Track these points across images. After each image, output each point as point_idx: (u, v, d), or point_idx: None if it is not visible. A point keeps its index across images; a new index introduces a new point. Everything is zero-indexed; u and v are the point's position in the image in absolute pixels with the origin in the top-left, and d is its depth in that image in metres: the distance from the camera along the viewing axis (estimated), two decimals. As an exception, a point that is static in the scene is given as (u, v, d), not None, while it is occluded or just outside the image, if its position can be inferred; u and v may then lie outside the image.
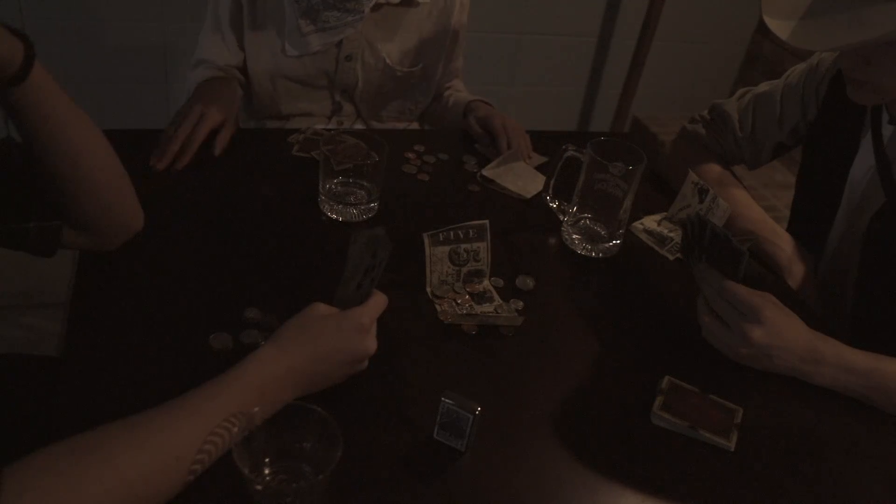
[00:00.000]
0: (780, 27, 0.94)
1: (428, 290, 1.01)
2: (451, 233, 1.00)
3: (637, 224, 1.23)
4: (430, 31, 1.46)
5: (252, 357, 0.76)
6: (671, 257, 1.18)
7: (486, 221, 1.02)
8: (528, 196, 1.26)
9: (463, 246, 1.01)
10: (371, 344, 0.82)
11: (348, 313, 0.80)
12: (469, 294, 1.02)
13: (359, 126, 1.53)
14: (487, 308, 1.00)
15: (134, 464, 0.64)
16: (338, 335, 0.79)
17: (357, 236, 0.82)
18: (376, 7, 1.37)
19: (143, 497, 0.65)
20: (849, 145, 1.16)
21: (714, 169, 1.30)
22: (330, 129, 1.13)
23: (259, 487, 0.68)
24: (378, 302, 0.83)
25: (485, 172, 1.28)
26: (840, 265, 1.18)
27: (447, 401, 0.77)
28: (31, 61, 0.77)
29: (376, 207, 1.14)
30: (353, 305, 0.82)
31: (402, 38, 1.44)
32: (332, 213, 1.12)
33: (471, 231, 1.01)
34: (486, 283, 1.04)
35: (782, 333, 0.92)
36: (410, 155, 1.32)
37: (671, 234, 1.22)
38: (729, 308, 0.93)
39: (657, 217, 1.26)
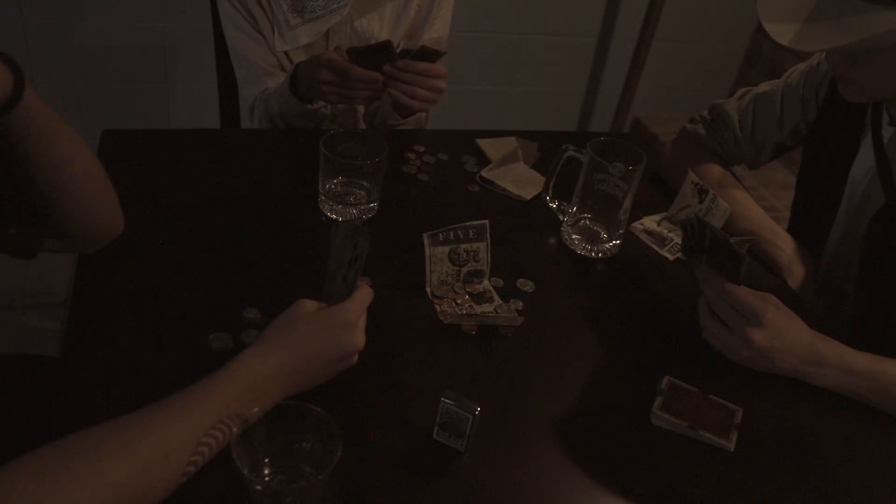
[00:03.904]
0: (774, 29, 0.95)
1: (428, 290, 1.01)
2: (451, 233, 1.00)
3: (637, 224, 1.23)
4: (411, 14, 1.47)
5: (240, 357, 0.75)
6: (671, 257, 1.18)
7: (486, 221, 1.02)
8: (528, 197, 1.26)
9: (463, 246, 1.01)
10: (359, 339, 0.81)
11: (334, 310, 0.80)
12: (469, 294, 1.02)
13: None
14: (487, 308, 1.00)
15: (122, 465, 0.64)
16: (325, 332, 0.79)
17: (337, 229, 0.82)
18: None
19: (132, 498, 0.65)
20: (849, 146, 1.16)
21: (714, 169, 1.30)
22: (331, 130, 1.13)
23: (258, 487, 0.68)
24: (363, 296, 0.83)
25: (484, 174, 1.28)
26: (840, 266, 1.18)
27: (447, 401, 0.77)
28: (21, 88, 0.75)
29: (376, 207, 1.14)
30: (341, 297, 0.82)
31: (385, 21, 1.45)
32: (331, 213, 1.12)
33: (470, 231, 1.01)
34: (485, 283, 1.04)
35: (783, 335, 0.92)
36: (410, 155, 1.32)
37: (671, 234, 1.22)
38: (730, 311, 0.93)
39: (657, 217, 1.26)
